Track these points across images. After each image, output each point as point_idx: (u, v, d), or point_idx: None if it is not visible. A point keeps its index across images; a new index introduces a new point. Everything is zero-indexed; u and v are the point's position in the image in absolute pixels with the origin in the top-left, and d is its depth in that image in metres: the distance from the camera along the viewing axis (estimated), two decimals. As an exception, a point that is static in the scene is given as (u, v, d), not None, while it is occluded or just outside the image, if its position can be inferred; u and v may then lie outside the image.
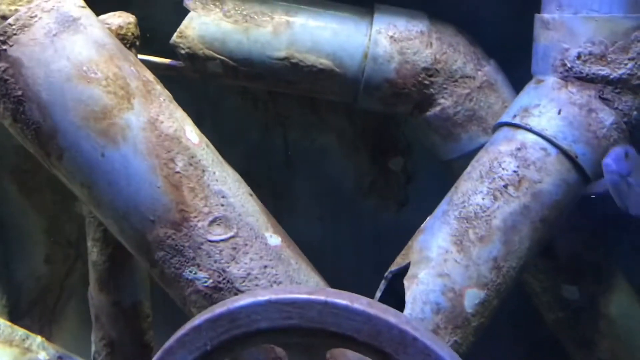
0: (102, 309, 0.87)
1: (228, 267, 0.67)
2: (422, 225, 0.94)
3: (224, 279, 0.67)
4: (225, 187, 0.69)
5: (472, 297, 0.84)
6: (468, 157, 0.99)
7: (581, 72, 0.88)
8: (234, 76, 1.02)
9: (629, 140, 0.89)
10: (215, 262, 0.67)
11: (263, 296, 0.58)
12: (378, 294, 0.91)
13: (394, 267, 0.91)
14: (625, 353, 1.02)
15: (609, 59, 0.86)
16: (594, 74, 0.87)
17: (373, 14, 1.03)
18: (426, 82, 1.01)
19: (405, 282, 0.86)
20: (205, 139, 0.74)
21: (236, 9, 1.01)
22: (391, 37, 1.01)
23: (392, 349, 0.56)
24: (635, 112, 0.87)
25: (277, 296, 0.58)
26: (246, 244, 0.67)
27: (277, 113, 1.22)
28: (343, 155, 1.24)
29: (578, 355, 1.05)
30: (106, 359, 0.92)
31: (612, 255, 1.02)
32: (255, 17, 1.00)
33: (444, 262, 0.86)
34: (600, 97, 0.87)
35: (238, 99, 1.21)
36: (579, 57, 0.87)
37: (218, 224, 0.67)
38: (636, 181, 0.86)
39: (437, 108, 1.02)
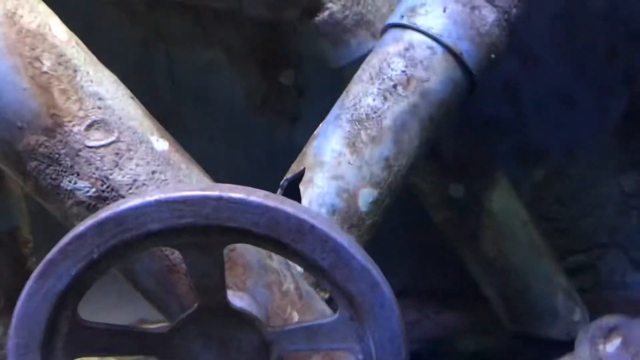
0: (-25, 239, 0.79)
1: (111, 174, 0.62)
2: (315, 131, 0.93)
3: (107, 187, 0.62)
4: (102, 88, 0.63)
5: (365, 197, 0.85)
6: (358, 63, 0.97)
7: (465, -30, 0.88)
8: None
9: (509, 37, 0.91)
10: (96, 169, 0.62)
11: (152, 196, 0.54)
12: (274, 202, 0.90)
13: (289, 175, 0.90)
14: (506, 245, 1.09)
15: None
16: (476, -28, 0.88)
17: None
18: (312, -15, 0.98)
19: (301, 187, 0.86)
20: (76, 37, 0.67)
21: None
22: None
23: (291, 239, 0.56)
24: (514, 10, 0.90)
25: (168, 195, 0.54)
26: (130, 149, 0.63)
27: (158, 26, 1.15)
28: (232, 70, 1.20)
29: (465, 251, 1.11)
30: (-15, 292, 0.85)
31: (493, 154, 1.08)
32: None
33: (337, 164, 0.86)
34: None
35: (113, 12, 1.12)
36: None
37: (96, 129, 0.62)
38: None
39: (326, 13, 1.00)
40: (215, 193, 0.54)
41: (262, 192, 0.55)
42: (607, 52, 1.14)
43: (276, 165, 1.30)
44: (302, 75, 1.21)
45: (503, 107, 1.17)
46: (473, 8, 0.89)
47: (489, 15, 0.89)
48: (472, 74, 0.90)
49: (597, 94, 1.15)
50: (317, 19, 1.00)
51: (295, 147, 1.02)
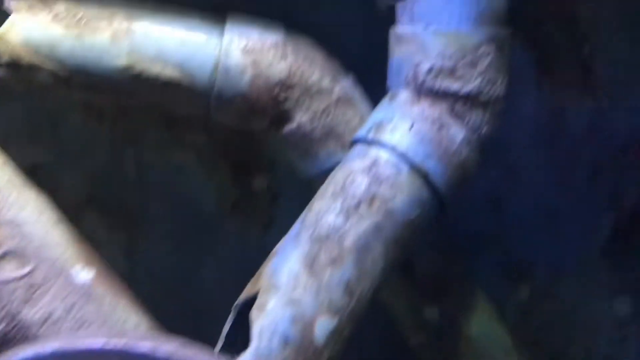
0: None
1: (22, 310, 0.56)
2: (275, 247, 0.88)
3: (15, 325, 0.56)
4: (23, 214, 0.59)
5: (323, 326, 0.78)
6: (327, 174, 0.94)
7: (433, 87, 0.85)
8: (67, 87, 0.92)
9: (480, 156, 0.87)
10: (4, 306, 0.56)
11: (49, 347, 0.48)
12: (226, 327, 0.84)
13: (243, 296, 0.84)
14: (486, 373, 1.00)
15: (458, 74, 0.84)
16: (445, 88, 0.85)
17: (225, 23, 0.97)
18: (281, 96, 0.96)
19: (253, 313, 0.79)
20: (4, 157, 0.63)
21: (69, 12, 0.91)
22: (244, 48, 0.95)
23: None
24: (485, 128, 0.86)
25: (66, 346, 0.48)
26: (46, 282, 0.57)
27: (128, 130, 1.12)
28: (202, 174, 1.16)
29: (442, 378, 1.02)
30: None
31: (470, 274, 1.01)
32: (91, 22, 0.90)
33: (294, 288, 0.80)
34: (451, 112, 0.85)
35: (81, 114, 1.10)
36: (430, 71, 0.85)
37: (9, 260, 0.57)
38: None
39: (294, 124, 0.97)
40: (119, 346, 0.48)
41: (174, 345, 0.49)
42: (590, 168, 1.10)
43: (245, 274, 1.23)
44: (276, 180, 1.17)
45: (485, 221, 1.12)
46: (441, 126, 0.85)
47: (458, 133, 0.85)
48: (440, 194, 0.85)
49: (583, 211, 1.10)
50: (284, 130, 0.97)
51: (266, 255, 0.96)
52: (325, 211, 0.84)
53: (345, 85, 1.00)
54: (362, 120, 0.99)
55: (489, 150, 0.89)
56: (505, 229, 1.12)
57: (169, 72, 0.93)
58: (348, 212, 0.83)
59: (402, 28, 0.89)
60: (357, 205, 0.83)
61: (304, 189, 1.12)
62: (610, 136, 1.07)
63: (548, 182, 1.10)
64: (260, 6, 1.01)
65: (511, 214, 1.11)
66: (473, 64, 0.83)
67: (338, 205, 0.84)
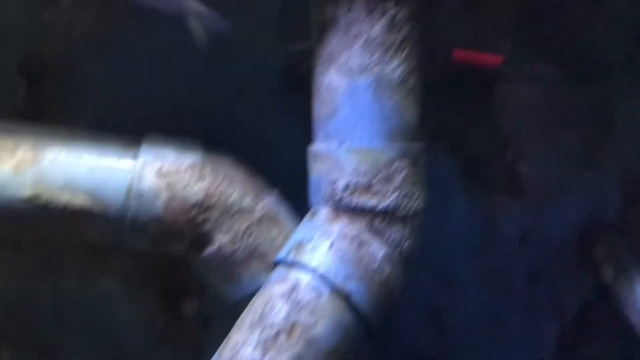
0: None
1: None
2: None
3: None
4: None
5: None
6: (252, 298, 0.88)
7: (350, 204, 0.83)
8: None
9: (404, 272, 0.83)
10: None
11: None
12: None
13: None
14: None
15: (374, 190, 0.82)
16: (362, 205, 0.82)
17: (138, 146, 0.95)
18: (199, 218, 0.92)
19: None
20: None
21: (-28, 144, 0.88)
22: (158, 170, 0.92)
23: None
24: (407, 243, 0.83)
25: None
26: None
27: (45, 256, 1.06)
28: (127, 302, 1.09)
29: None
30: None
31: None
32: (-6, 152, 0.87)
33: None
34: (370, 229, 0.82)
35: (-7, 243, 1.05)
36: (346, 188, 0.83)
37: None
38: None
39: (214, 246, 0.92)
40: None
41: None
42: (527, 275, 1.07)
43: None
44: (206, 305, 1.10)
45: (426, 337, 1.06)
46: (361, 243, 0.81)
47: (378, 250, 0.81)
48: (364, 316, 0.80)
49: (525, 323, 1.06)
50: (205, 253, 0.93)
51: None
52: (242, 344, 0.78)
53: (268, 203, 0.96)
54: (287, 238, 0.95)
55: (423, 263, 0.86)
56: (448, 345, 1.06)
57: (78, 200, 0.88)
58: (266, 345, 0.77)
59: (317, 145, 0.87)
60: (276, 336, 0.77)
61: (238, 312, 1.06)
62: (544, 240, 1.05)
63: (487, 293, 1.06)
64: (184, 123, 1.00)
65: (452, 329, 1.06)
66: (388, 180, 0.81)
67: (255, 336, 0.78)
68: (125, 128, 0.97)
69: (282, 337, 0.77)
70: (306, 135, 0.93)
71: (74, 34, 1.02)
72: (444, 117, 1.03)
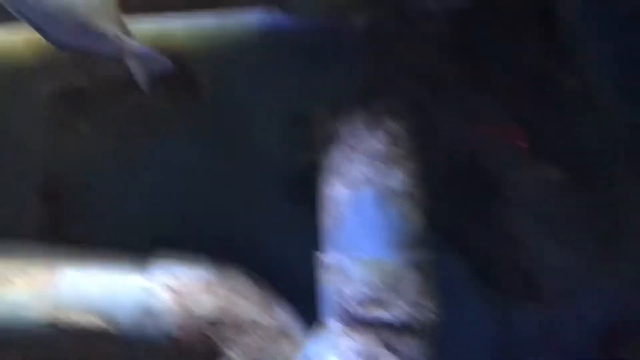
0: None
1: None
2: None
3: None
4: None
5: None
6: None
7: (359, 316, 0.82)
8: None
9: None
10: None
11: None
12: None
13: None
14: None
15: (383, 302, 0.82)
16: (372, 317, 0.82)
17: (151, 263, 0.97)
18: (212, 335, 0.92)
19: None
20: None
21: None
22: (170, 288, 0.93)
23: None
24: (420, 357, 0.81)
25: None
26: None
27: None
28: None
29: None
30: None
31: None
32: (9, 275, 0.90)
33: None
34: (380, 342, 0.81)
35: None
36: (355, 300, 0.83)
37: None
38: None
39: (226, 363, 0.92)
40: None
41: None
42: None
43: None
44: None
45: None
46: (370, 358, 0.80)
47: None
48: None
49: None
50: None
51: None
52: None
53: (281, 318, 0.96)
54: (299, 351, 0.95)
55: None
56: None
57: (95, 322, 0.90)
58: None
59: (326, 256, 0.89)
60: None
61: None
62: (562, 343, 1.02)
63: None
64: (195, 237, 1.02)
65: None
66: (396, 290, 0.82)
67: None
68: (139, 243, 0.99)
69: None
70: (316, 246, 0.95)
71: (94, 157, 1.07)
72: (452, 221, 1.04)
